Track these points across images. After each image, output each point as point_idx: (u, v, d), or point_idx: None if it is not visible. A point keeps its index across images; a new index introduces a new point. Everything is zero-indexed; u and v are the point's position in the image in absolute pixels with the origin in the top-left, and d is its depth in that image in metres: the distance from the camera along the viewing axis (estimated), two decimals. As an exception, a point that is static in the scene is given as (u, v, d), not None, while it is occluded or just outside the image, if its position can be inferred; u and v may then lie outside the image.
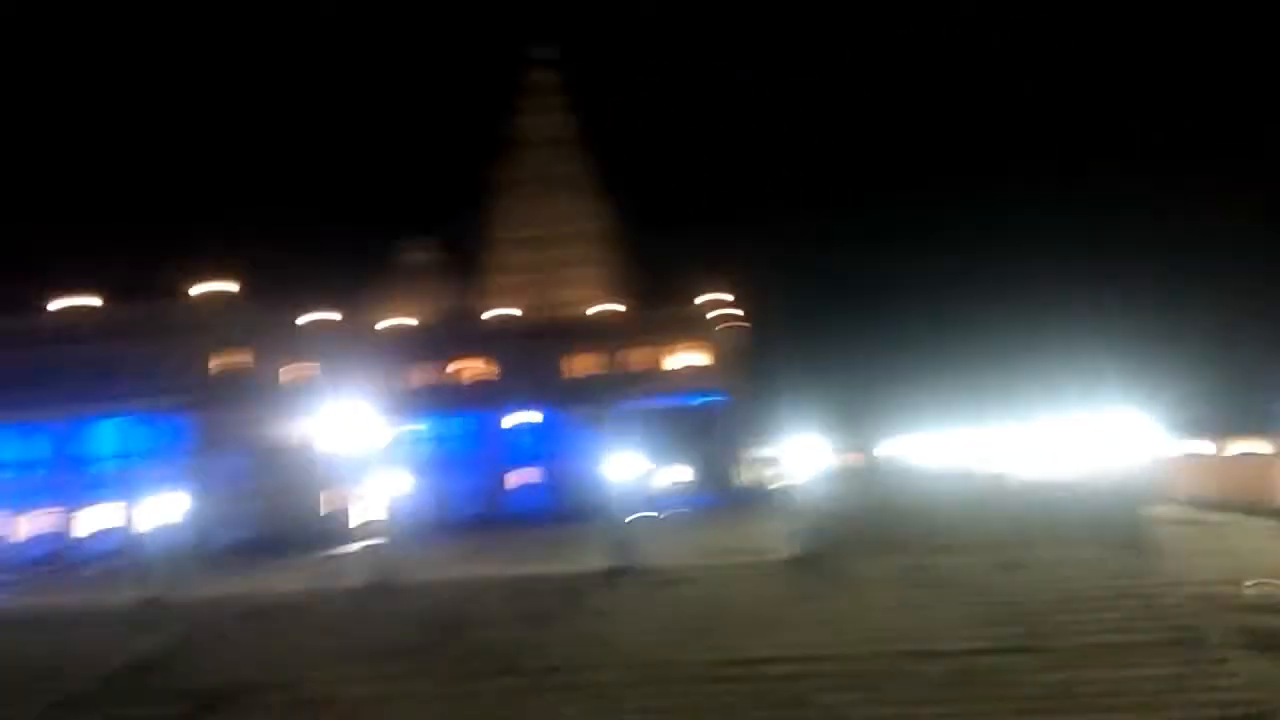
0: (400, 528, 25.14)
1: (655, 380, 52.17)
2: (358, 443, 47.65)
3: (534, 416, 52.30)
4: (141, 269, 45.17)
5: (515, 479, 51.86)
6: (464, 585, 22.61)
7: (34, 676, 20.31)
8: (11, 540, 39.21)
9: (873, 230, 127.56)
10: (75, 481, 40.25)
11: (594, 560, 23.97)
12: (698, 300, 53.79)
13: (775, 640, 17.59)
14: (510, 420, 51.74)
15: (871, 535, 21.62)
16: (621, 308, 54.14)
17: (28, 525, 40.26)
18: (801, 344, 73.04)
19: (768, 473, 66.86)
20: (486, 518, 47.05)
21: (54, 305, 40.67)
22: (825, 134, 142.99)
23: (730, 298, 56.49)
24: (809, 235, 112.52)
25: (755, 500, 50.66)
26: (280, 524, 41.91)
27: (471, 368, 52.75)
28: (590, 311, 53.59)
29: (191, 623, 22.09)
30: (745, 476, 57.67)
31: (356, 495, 49.95)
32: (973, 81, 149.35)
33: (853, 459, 69.85)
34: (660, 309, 53.40)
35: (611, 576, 21.66)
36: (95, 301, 41.58)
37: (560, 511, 49.72)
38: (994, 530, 22.28)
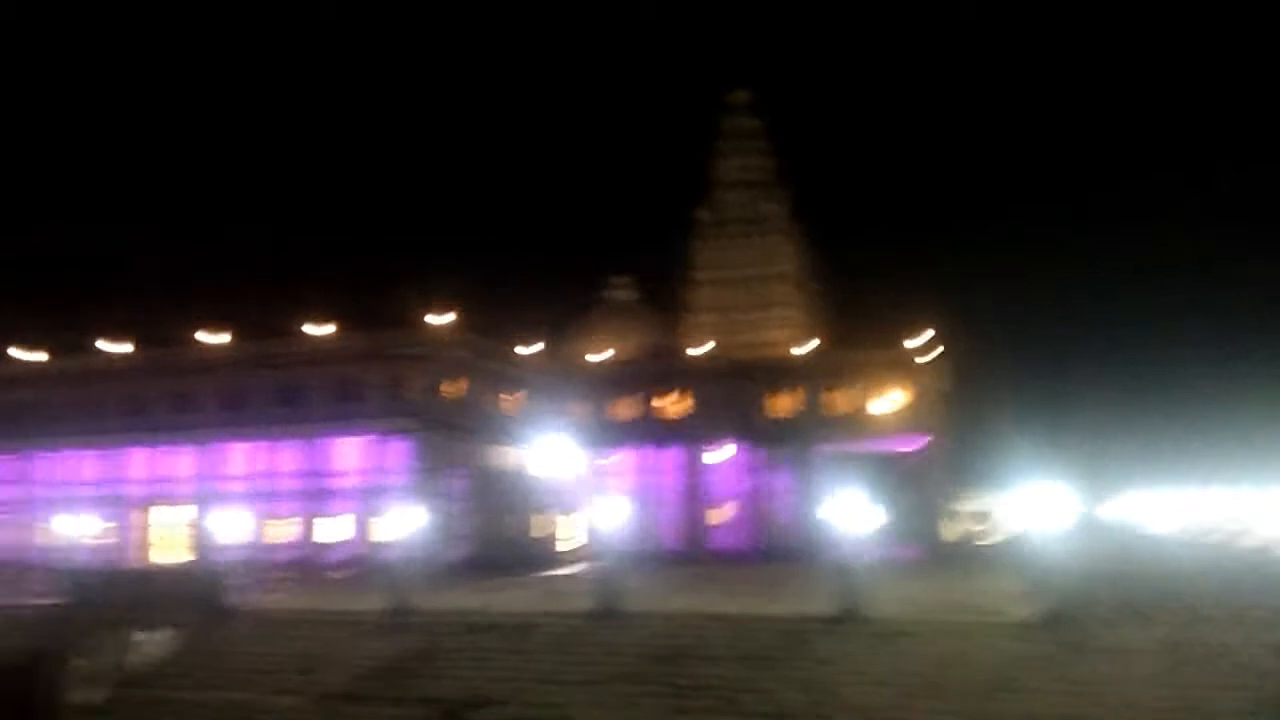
0: (613, 556, 25.80)
1: (857, 423, 51.17)
2: (565, 470, 49.88)
3: (735, 455, 52.51)
4: (376, 300, 49.14)
5: (716, 516, 52.16)
6: (682, 618, 22.97)
7: (302, 671, 22.41)
8: (263, 545, 43.16)
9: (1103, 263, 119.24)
10: (316, 493, 43.96)
11: (812, 604, 23.76)
12: (902, 341, 52.42)
13: (1019, 706, 16.80)
14: (712, 457, 52.16)
15: (1117, 599, 20.23)
16: (823, 347, 53.56)
17: (275, 533, 44.28)
18: (1020, 388, 69.63)
19: (976, 526, 63.90)
20: (687, 553, 47.61)
21: (304, 330, 44.80)
22: (1043, 164, 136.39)
23: (937, 339, 54.61)
24: (1021, 274, 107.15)
25: (962, 555, 48.53)
26: (495, 544, 44.15)
27: (674, 403, 53.65)
28: (792, 351, 53.36)
29: (430, 633, 23.63)
30: (951, 529, 55.35)
31: (564, 521, 51.99)
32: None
33: (1079, 513, 65.45)
34: (863, 350, 52.37)
35: (834, 623, 21.35)
36: (336, 330, 45.42)
37: (760, 552, 49.63)
38: (1258, 603, 20.34)
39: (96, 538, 40.19)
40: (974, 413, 57.68)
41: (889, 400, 52.20)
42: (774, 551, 49.76)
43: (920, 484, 51.13)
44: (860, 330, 54.59)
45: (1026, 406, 67.56)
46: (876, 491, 50.08)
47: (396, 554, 29.46)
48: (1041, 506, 22.80)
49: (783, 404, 52.69)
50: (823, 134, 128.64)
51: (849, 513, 32.72)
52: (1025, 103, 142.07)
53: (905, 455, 51.06)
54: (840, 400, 52.45)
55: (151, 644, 26.40)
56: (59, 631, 26.81)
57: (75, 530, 40.94)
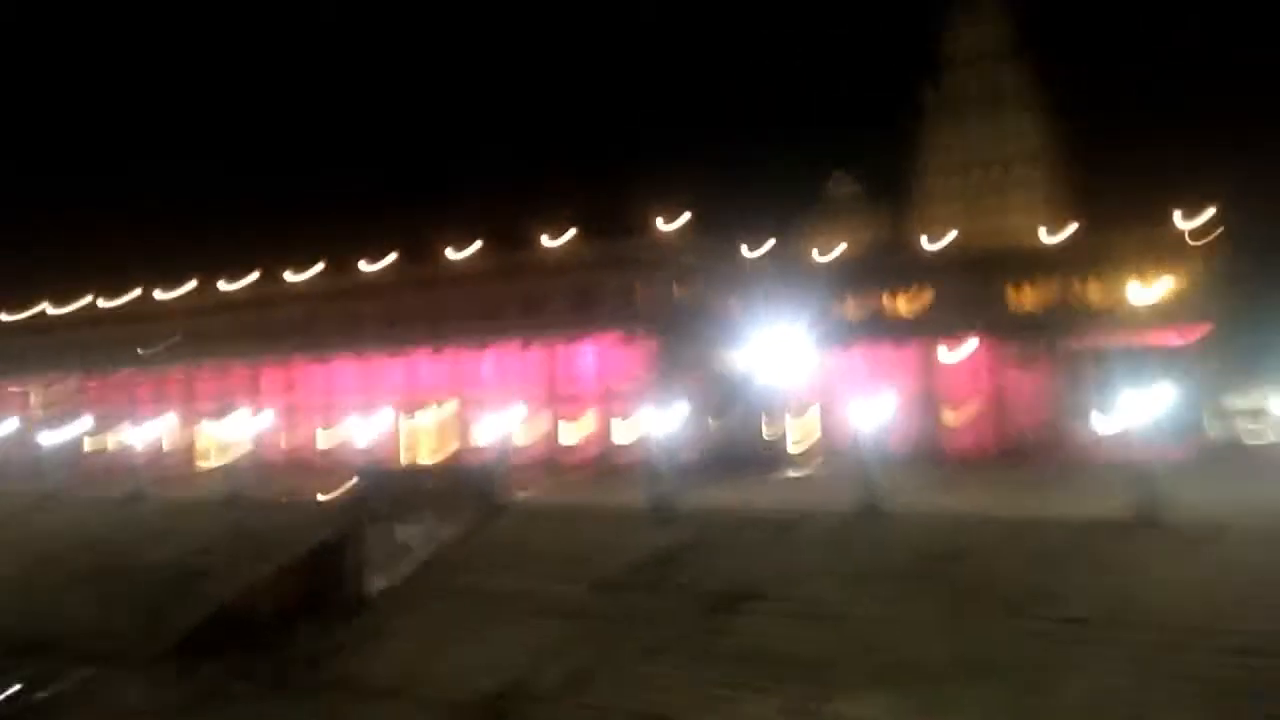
0: (870, 455, 25.07)
1: (1117, 315, 46.88)
2: (796, 371, 49.28)
3: (975, 352, 49.82)
4: (609, 207, 49.71)
5: (955, 416, 49.99)
6: (958, 518, 22.09)
7: (575, 560, 23.60)
8: (513, 446, 45.77)
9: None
10: (559, 397, 45.94)
11: (1093, 505, 22.20)
12: (1171, 221, 47.04)
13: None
14: (950, 354, 49.74)
15: None
16: (1077, 232, 49.10)
17: (524, 433, 46.81)
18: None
19: (1251, 424, 57.85)
20: (925, 454, 46.04)
21: (543, 241, 46.29)
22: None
23: (1208, 216, 48.62)
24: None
25: (1237, 455, 44.17)
26: (731, 445, 44.58)
27: (909, 299, 51.36)
28: (1041, 238, 49.33)
29: (694, 527, 24.12)
30: (1223, 427, 50.32)
31: (795, 423, 51.69)
32: None
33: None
34: (1124, 232, 47.48)
35: (1129, 527, 19.79)
36: (572, 239, 46.51)
37: (1004, 453, 47.25)
38: None
39: (371, 440, 43.97)
40: (1255, 299, 51.38)
41: (1154, 288, 47.39)
42: (1019, 452, 47.23)
43: (1189, 379, 46.47)
44: (1119, 211, 49.49)
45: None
46: (1140, 387, 46.51)
47: (652, 452, 30.14)
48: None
49: (1030, 296, 49.08)
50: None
51: (1119, 410, 30.25)
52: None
53: (1172, 349, 46.47)
54: (1097, 290, 48.20)
55: (433, 534, 28.73)
56: (352, 521, 29.71)
57: (353, 432, 44.97)
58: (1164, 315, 46.10)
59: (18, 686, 23.08)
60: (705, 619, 19.74)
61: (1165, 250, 46.63)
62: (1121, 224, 48.13)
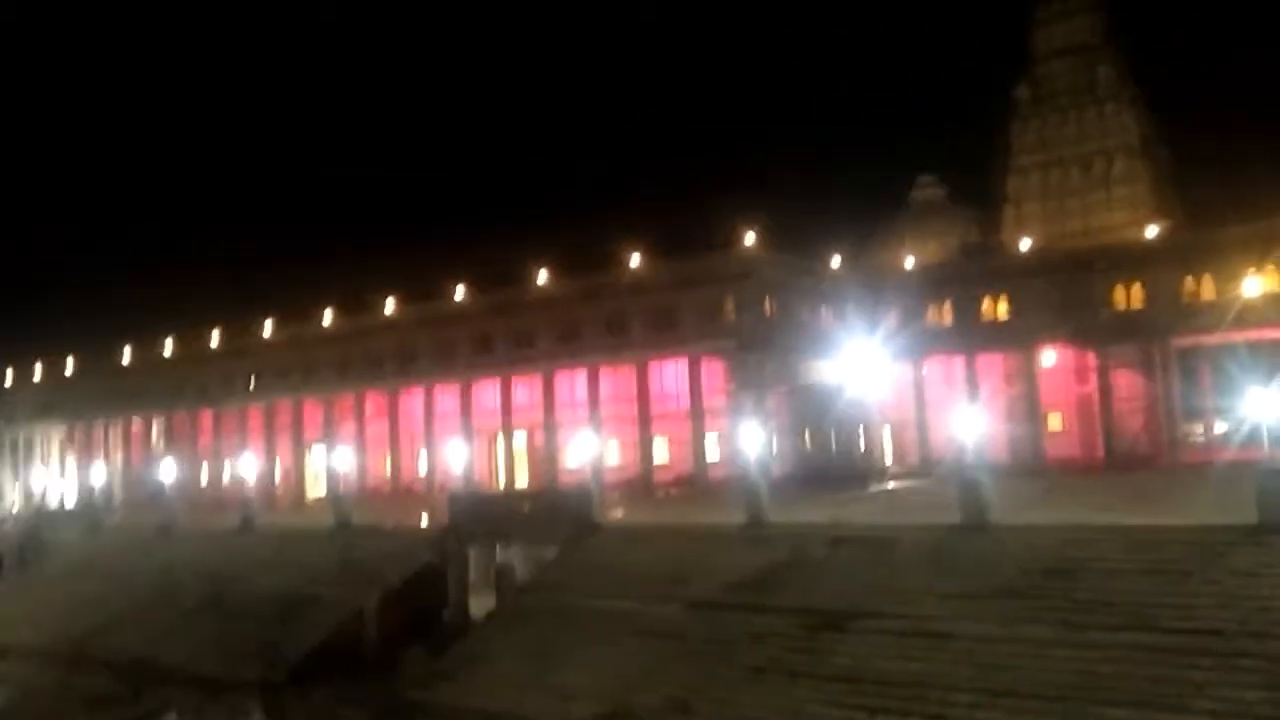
0: (967, 467, 24.38)
1: (1224, 312, 44.68)
2: (883, 382, 48.39)
3: (1071, 355, 48.19)
4: (690, 224, 49.92)
5: (1052, 422, 48.38)
6: (1064, 530, 21.28)
7: (671, 580, 23.54)
8: (600, 466, 46.06)
9: None
10: (644, 416, 46.04)
11: (1212, 512, 21.14)
12: (1273, 212, 44.73)
13: None
14: (1045, 359, 48.22)
15: None
16: (1178, 227, 47.15)
17: (610, 453, 47.06)
18: None
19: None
20: (1023, 464, 44.58)
21: (625, 262, 46.64)
22: None
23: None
24: None
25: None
26: (819, 460, 44.01)
27: (999, 304, 49.96)
28: (1139, 234, 47.50)
29: (791, 545, 23.79)
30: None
31: (884, 435, 50.74)
32: None
33: None
34: (1225, 226, 45.39)
35: (1254, 534, 18.77)
36: (653, 259, 46.71)
37: (1106, 460, 45.44)
38: None
39: (466, 464, 44.82)
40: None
41: (1261, 282, 45.07)
42: (1121, 459, 45.34)
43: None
44: (1221, 204, 47.33)
45: None
46: (1258, 385, 44.18)
47: (744, 470, 29.94)
48: None
49: (1129, 295, 47.23)
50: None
51: (1235, 411, 28.79)
52: None
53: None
54: (1200, 286, 46.09)
55: (531, 557, 29.07)
56: (453, 545, 30.28)
57: (447, 458, 45.92)
58: (1277, 309, 43.83)
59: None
60: (808, 639, 19.43)
61: (1275, 242, 44.39)
62: (1227, 217, 46.05)
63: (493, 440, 52.01)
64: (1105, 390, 46.70)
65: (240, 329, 61.95)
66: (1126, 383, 47.46)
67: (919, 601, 19.90)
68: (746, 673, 19.08)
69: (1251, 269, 44.92)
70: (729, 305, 45.20)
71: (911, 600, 20.01)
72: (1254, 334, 44.22)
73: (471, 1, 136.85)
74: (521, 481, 50.89)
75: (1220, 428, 51.13)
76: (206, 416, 63.35)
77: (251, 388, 60.65)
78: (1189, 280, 46.02)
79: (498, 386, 50.49)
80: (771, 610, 21.08)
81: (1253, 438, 25.13)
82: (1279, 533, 18.46)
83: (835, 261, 50.03)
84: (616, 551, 26.50)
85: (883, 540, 22.90)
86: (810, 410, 45.51)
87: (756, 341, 44.18)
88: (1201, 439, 50.50)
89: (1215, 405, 50.76)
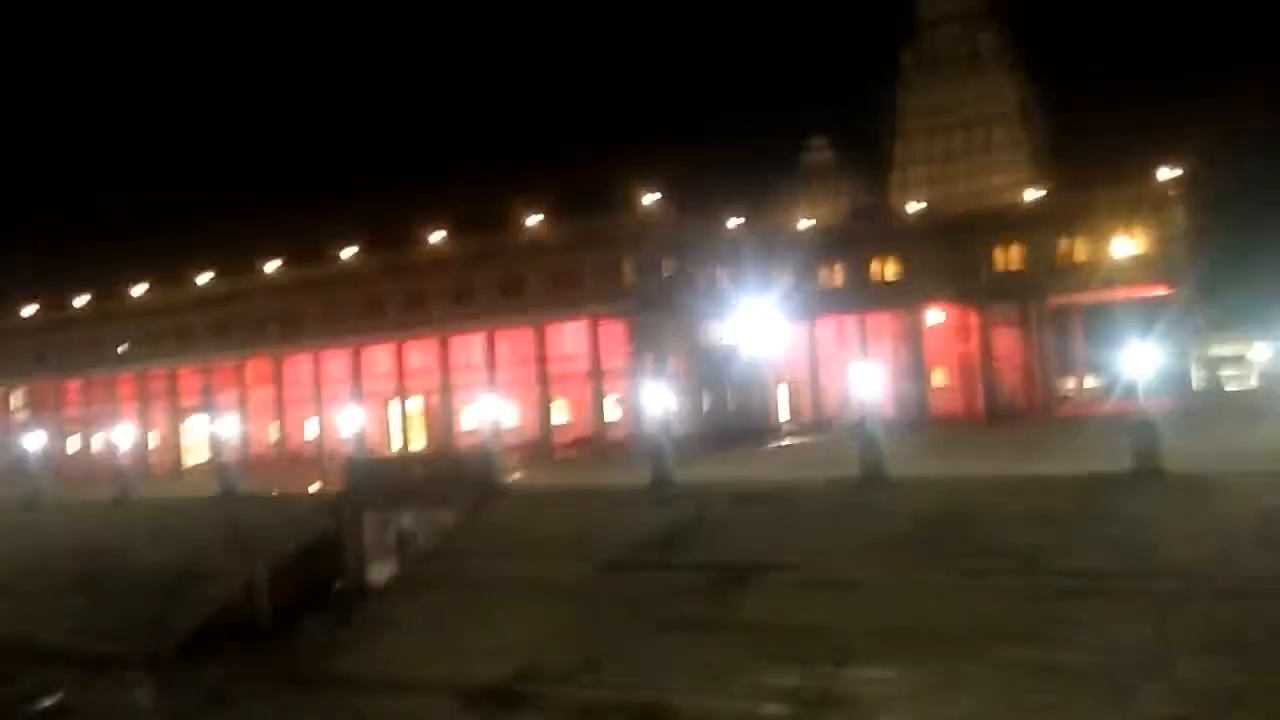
0: (867, 422, 25.05)
1: (1095, 272, 47.19)
2: (777, 341, 49.26)
3: (955, 314, 50.04)
4: (585, 184, 49.32)
5: (936, 379, 50.27)
6: (959, 481, 22.13)
7: (578, 542, 23.45)
8: (497, 429, 45.52)
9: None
10: (542, 378, 45.61)
11: (1092, 461, 22.31)
12: (1146, 177, 47.34)
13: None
14: (931, 317, 49.93)
15: None
16: (1054, 191, 49.30)
17: (507, 417, 46.51)
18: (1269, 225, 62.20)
19: (1229, 372, 58.73)
20: (909, 420, 46.26)
21: (521, 221, 45.77)
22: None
23: (1180, 172, 48.96)
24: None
25: (1220, 403, 44.83)
26: (719, 419, 44.61)
27: (887, 264, 51.39)
28: (1019, 198, 49.51)
29: (694, 502, 24.02)
30: (1202, 377, 50.99)
31: (778, 393, 51.75)
32: None
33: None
34: (1100, 190, 47.76)
35: (1134, 479, 19.92)
36: (549, 219, 46.01)
37: (988, 415, 47.65)
38: None
39: (358, 429, 43.53)
40: (1229, 252, 51.95)
41: (1131, 244, 47.78)
42: (1000, 413, 47.62)
43: (1169, 332, 46.97)
44: (1095, 169, 49.76)
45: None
46: (1121, 342, 46.98)
47: (646, 429, 30.02)
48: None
49: (1009, 256, 49.35)
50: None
51: (1105, 366, 30.48)
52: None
53: (1151, 302, 46.91)
54: (1075, 248, 48.51)
55: (431, 522, 28.50)
56: (348, 512, 29.42)
57: (337, 423, 44.51)
58: (1146, 269, 46.54)
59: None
60: (716, 594, 19.67)
61: (1145, 205, 46.98)
62: (1100, 181, 48.40)
63: (385, 405, 50.69)
64: (986, 348, 48.86)
65: (108, 292, 58.23)
66: (1005, 341, 49.77)
67: (823, 554, 20.39)
68: (656, 629, 19.18)
69: (1121, 231, 47.56)
70: (628, 266, 45.06)
71: (815, 553, 20.48)
72: (1123, 293, 47.00)
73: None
74: (418, 446, 49.86)
75: (1091, 382, 54.42)
76: (73, 384, 59.62)
77: (122, 353, 57.28)
78: (1064, 242, 48.35)
79: (391, 350, 49.14)
80: (679, 567, 21.26)
81: (1125, 392, 26.68)
82: (1152, 478, 19.61)
83: (731, 222, 50.34)
84: (521, 515, 26.23)
85: (785, 496, 23.36)
86: (709, 370, 46.00)
87: (656, 302, 44.25)
88: (1074, 393, 53.64)
89: (1087, 361, 53.96)
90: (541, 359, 45.71)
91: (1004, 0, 59.58)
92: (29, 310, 61.64)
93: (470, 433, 47.02)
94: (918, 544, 19.95)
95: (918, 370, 48.80)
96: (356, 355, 49.83)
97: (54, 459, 51.00)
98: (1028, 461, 25.33)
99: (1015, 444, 32.15)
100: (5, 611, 28.72)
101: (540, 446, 44.77)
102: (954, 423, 46.89)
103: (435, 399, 48.68)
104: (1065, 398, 52.40)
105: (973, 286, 48.77)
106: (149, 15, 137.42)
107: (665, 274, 46.02)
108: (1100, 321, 52.55)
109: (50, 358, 59.54)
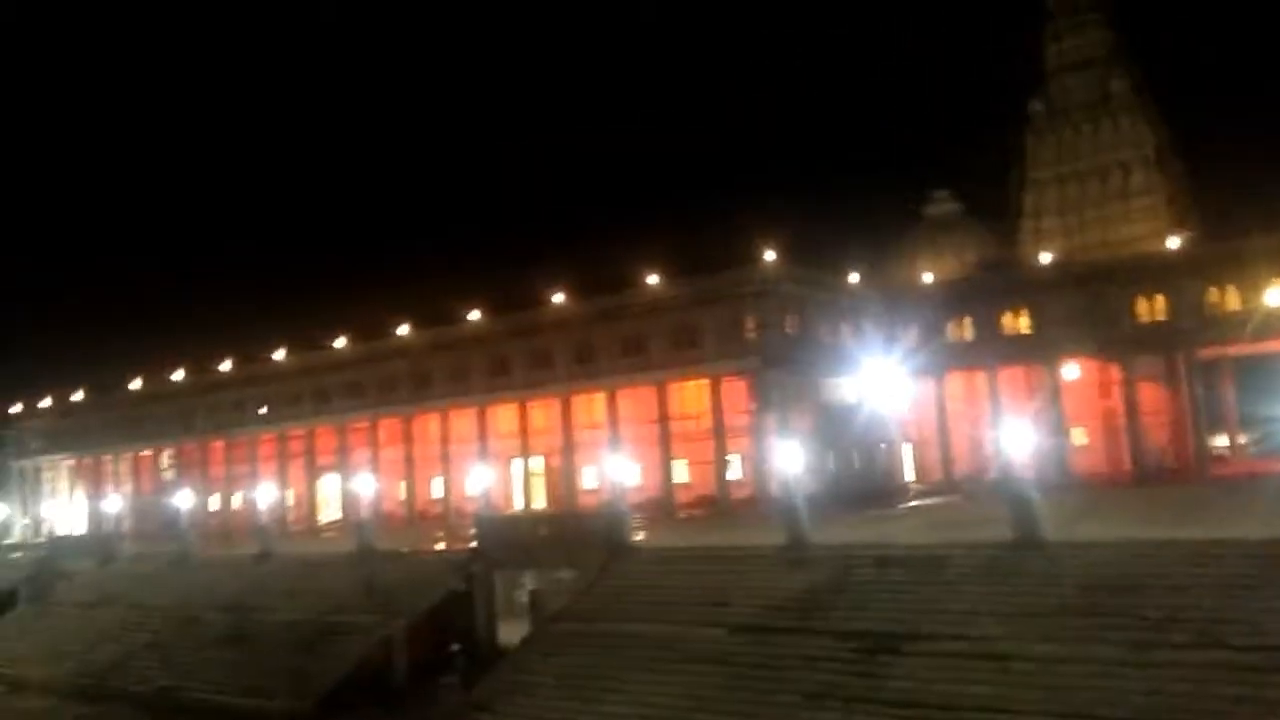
0: (1019, 483, 23.74)
1: (1247, 321, 44.17)
2: (903, 398, 47.83)
3: (1094, 368, 47.60)
4: (708, 244, 49.54)
5: (1076, 437, 47.74)
6: (1123, 546, 20.65)
7: (711, 604, 22.89)
8: (622, 488, 45.46)
9: None
10: (666, 436, 45.42)
11: (1268, 526, 20.51)
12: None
13: None
14: (1067, 372, 47.63)
15: None
16: (1199, 237, 46.69)
17: (632, 475, 46.38)
18: None
19: None
20: (1049, 479, 43.88)
21: (642, 282, 46.19)
22: None
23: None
24: None
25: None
26: (847, 479, 43.34)
27: (1018, 318, 49.42)
28: (1160, 245, 47.04)
29: (832, 565, 23.15)
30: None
31: (904, 451, 50.05)
32: None
33: None
34: (1249, 236, 44.93)
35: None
36: (670, 279, 46.27)
37: (1133, 474, 44.77)
38: None
39: (485, 488, 44.22)
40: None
41: (1287, 291, 44.58)
42: (1150, 473, 44.66)
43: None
44: (1237, 215, 46.96)
45: None
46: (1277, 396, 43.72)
47: (777, 488, 29.33)
48: None
49: (1152, 307, 46.72)
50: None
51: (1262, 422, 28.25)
52: None
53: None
54: (1224, 296, 45.58)
55: (553, 582, 28.42)
56: (478, 570, 29.63)
57: (468, 482, 45.34)
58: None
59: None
60: (863, 663, 18.78)
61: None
62: (1247, 227, 45.62)
63: (508, 463, 51.41)
64: (1131, 403, 46.10)
65: (251, 356, 61.56)
66: (1151, 395, 46.90)
67: (976, 622, 19.25)
68: (801, 699, 18.41)
69: (1275, 279, 44.47)
70: (749, 323, 44.68)
71: (968, 621, 19.35)
72: (1278, 344, 43.77)
73: (490, 25, 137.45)
74: (539, 505, 50.24)
75: (1245, 439, 50.68)
76: (217, 444, 62.81)
77: (263, 414, 60.16)
78: (1212, 291, 45.53)
79: (515, 409, 49.96)
80: (819, 633, 20.43)
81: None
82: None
83: (852, 278, 49.57)
84: (650, 575, 25.85)
85: (931, 559, 22.26)
86: (833, 428, 44.91)
87: (778, 359, 43.67)
88: (1228, 451, 49.97)
89: (1240, 417, 50.34)
90: (663, 417, 45.58)
91: (1134, 46, 57.75)
92: (178, 375, 65.60)
93: (591, 491, 47.12)
94: (1081, 613, 18.61)
95: (1057, 427, 46.41)
96: (482, 415, 50.84)
97: (197, 516, 53.63)
98: (1194, 524, 23.52)
99: (1174, 505, 29.97)
100: (158, 665, 29.98)
101: (662, 505, 44.43)
102: (1097, 483, 44.25)
103: (557, 458, 49.06)
104: (1220, 456, 48.84)
105: (1113, 338, 46.28)
106: (281, 82, 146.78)
107: (787, 331, 45.44)
108: (1253, 374, 49.12)
109: (197, 420, 63.00)
